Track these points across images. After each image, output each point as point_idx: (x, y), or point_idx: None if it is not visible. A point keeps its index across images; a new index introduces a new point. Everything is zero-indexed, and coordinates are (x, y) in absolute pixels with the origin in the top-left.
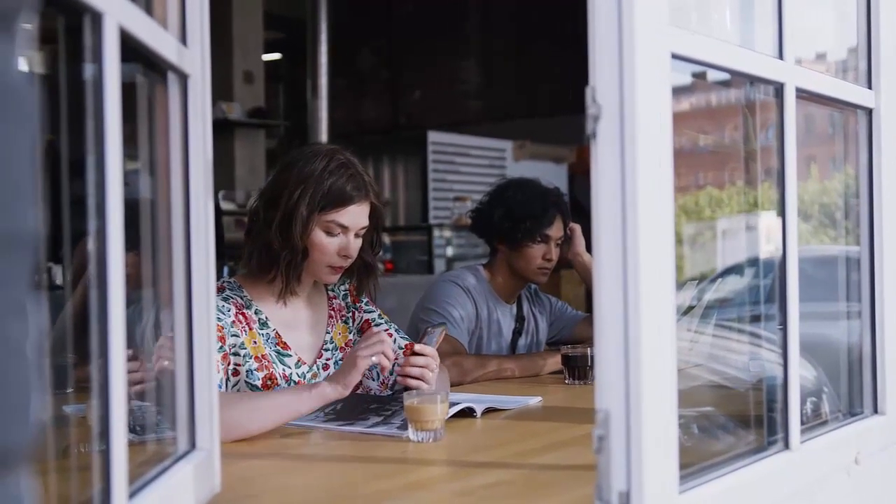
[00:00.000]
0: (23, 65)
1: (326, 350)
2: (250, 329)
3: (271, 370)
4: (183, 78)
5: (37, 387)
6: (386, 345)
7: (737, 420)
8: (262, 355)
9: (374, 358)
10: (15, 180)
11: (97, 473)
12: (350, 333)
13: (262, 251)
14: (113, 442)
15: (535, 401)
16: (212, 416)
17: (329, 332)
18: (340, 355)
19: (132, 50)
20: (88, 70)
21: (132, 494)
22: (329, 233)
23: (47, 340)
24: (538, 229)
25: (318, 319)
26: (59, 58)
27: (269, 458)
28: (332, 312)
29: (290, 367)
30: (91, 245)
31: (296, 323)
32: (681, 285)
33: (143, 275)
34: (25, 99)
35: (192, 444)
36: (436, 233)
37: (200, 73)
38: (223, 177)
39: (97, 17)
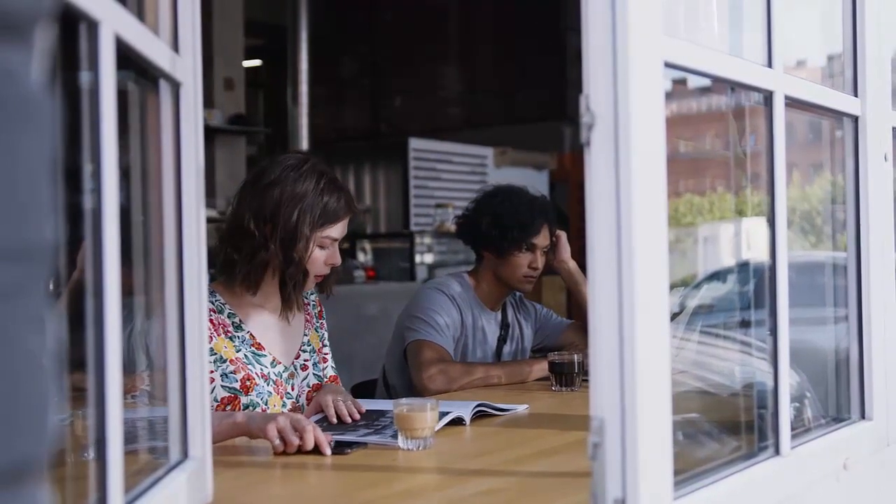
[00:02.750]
0: (40, 74)
1: (304, 351)
2: (219, 335)
3: (247, 371)
4: (175, 86)
5: (54, 398)
6: (302, 440)
7: (727, 426)
8: (237, 358)
9: (276, 442)
10: (32, 191)
11: (93, 483)
12: (320, 341)
13: (259, 269)
14: (109, 452)
15: (522, 408)
16: (204, 425)
17: (307, 335)
18: (317, 358)
19: (124, 57)
20: (83, 77)
21: None
22: (322, 247)
23: (71, 345)
24: (525, 238)
25: (295, 322)
26: (53, 65)
27: (260, 467)
28: (308, 317)
29: (266, 367)
30: (86, 253)
31: (272, 325)
32: None
33: (133, 282)
34: (43, 109)
35: (185, 454)
36: (417, 240)
37: (192, 82)
38: (204, 184)
39: (93, 25)
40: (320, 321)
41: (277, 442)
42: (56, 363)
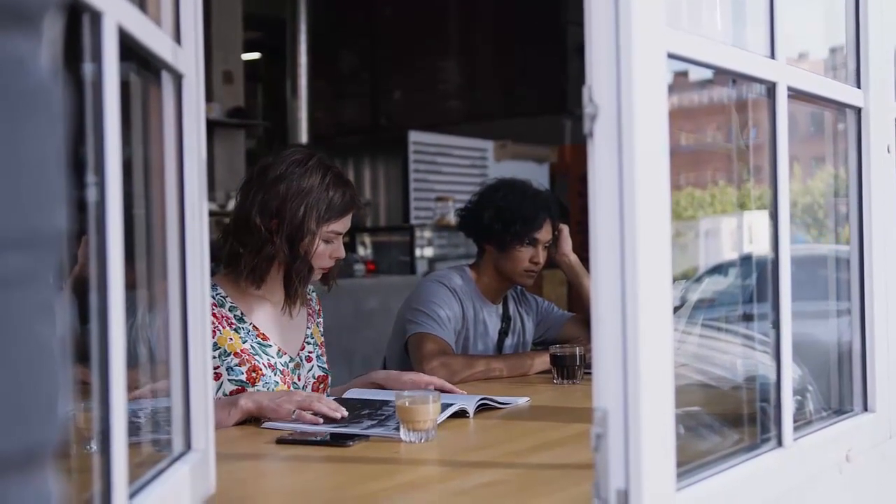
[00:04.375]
0: (50, 63)
1: (308, 343)
2: (224, 328)
3: (254, 362)
4: (178, 78)
5: (63, 385)
6: (320, 407)
7: (729, 419)
8: (242, 350)
9: (294, 414)
10: (44, 179)
11: (97, 474)
12: (321, 336)
13: (265, 262)
14: (113, 444)
15: (523, 401)
16: (207, 417)
17: (309, 328)
18: (320, 351)
19: (127, 48)
20: (87, 69)
21: (131, 495)
22: (327, 241)
23: (72, 339)
24: (528, 233)
25: (298, 315)
26: (60, 55)
27: (262, 459)
28: (310, 311)
29: (272, 357)
30: (88, 246)
31: (276, 317)
32: None
33: (135, 275)
34: (53, 98)
35: (188, 445)
36: (417, 233)
37: (195, 73)
38: None
39: (96, 17)
40: (319, 318)
41: (293, 416)
42: (65, 351)
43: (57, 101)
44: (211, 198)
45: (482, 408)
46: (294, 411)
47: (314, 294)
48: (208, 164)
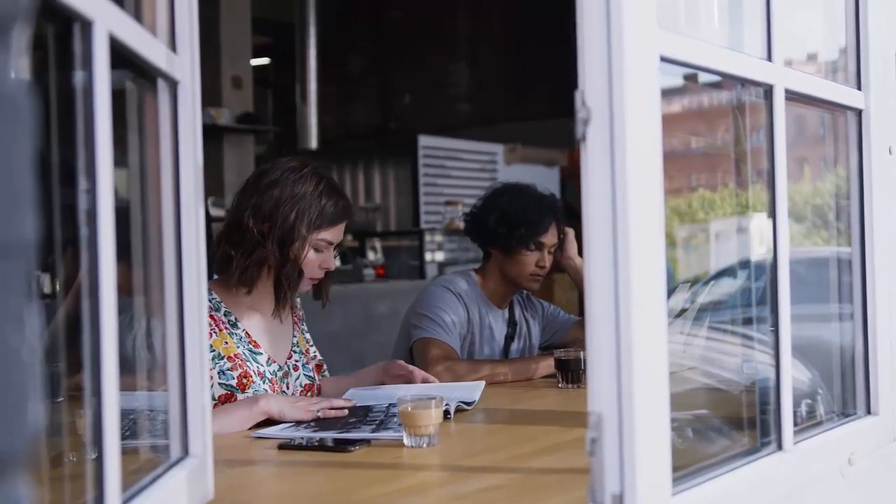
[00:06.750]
0: (19, 72)
1: (295, 352)
2: (220, 331)
3: (245, 368)
4: (173, 85)
5: (34, 393)
6: (337, 403)
7: (730, 422)
8: (235, 355)
9: (319, 413)
10: (12, 188)
11: (90, 481)
12: (307, 343)
13: (256, 266)
14: (106, 450)
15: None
16: (204, 423)
17: (295, 337)
18: (305, 359)
19: (121, 56)
20: (78, 77)
21: (127, 501)
22: (317, 249)
23: (43, 347)
24: (533, 237)
25: (285, 324)
26: (48, 64)
27: (261, 465)
28: (296, 320)
29: (262, 365)
30: (82, 254)
31: (265, 326)
32: (673, 288)
33: (133, 283)
34: (22, 106)
35: (185, 451)
36: (427, 237)
37: (190, 80)
38: (212, 183)
39: (87, 25)
40: (303, 325)
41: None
42: (36, 359)
43: (26, 110)
44: (219, 204)
45: (460, 407)
46: (318, 411)
47: (298, 300)
48: (218, 169)
